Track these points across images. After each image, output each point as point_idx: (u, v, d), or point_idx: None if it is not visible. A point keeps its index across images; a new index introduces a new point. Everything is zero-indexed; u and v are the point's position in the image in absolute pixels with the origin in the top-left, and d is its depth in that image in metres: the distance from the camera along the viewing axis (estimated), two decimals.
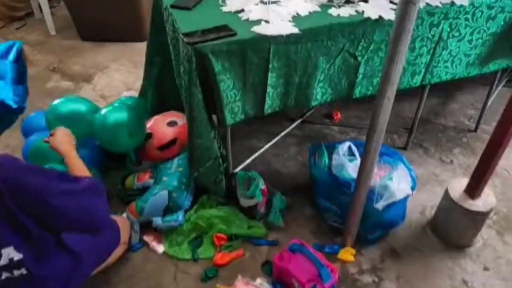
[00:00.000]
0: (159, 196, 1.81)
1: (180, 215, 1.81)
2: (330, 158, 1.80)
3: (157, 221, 1.79)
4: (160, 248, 1.80)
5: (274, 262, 1.60)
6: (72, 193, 1.22)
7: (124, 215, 1.83)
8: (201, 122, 1.63)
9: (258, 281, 1.65)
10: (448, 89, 2.81)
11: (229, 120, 1.62)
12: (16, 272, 1.15)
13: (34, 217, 1.11)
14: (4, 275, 1.15)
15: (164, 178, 1.87)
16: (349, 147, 1.77)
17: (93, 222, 1.29)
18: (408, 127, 2.27)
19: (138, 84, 2.80)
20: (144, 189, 1.91)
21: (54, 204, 1.14)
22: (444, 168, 2.19)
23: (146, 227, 1.85)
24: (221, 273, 1.70)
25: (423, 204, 1.97)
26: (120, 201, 1.99)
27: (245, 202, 1.86)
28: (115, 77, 3.18)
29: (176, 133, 2.05)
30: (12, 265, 1.14)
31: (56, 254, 1.29)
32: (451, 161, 2.23)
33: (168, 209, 1.85)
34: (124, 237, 1.70)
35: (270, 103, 1.69)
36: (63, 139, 1.53)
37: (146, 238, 1.84)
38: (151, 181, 1.93)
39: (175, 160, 1.96)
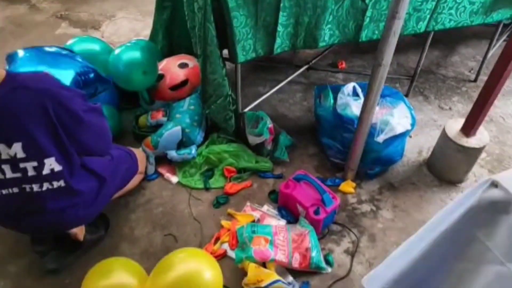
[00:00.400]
0: (173, 131, 1.92)
1: (193, 149, 1.93)
2: (334, 99, 1.90)
3: (172, 153, 1.91)
4: (174, 179, 1.94)
5: (280, 190, 1.73)
6: (93, 110, 1.32)
7: (140, 149, 1.95)
8: (214, 58, 1.71)
9: (265, 207, 1.79)
10: (450, 42, 2.88)
11: (241, 57, 1.70)
12: (55, 184, 1.27)
13: (68, 133, 1.22)
14: (46, 186, 1.26)
15: (177, 115, 1.98)
16: (354, 88, 1.86)
17: (106, 141, 1.41)
18: (410, 75, 2.36)
19: (146, 32, 2.86)
20: (157, 126, 2.02)
21: (85, 119, 1.25)
22: (443, 114, 2.29)
23: (160, 161, 1.98)
24: (231, 200, 1.84)
25: (420, 146, 2.09)
26: (134, 138, 2.10)
27: (253, 140, 1.98)
28: (122, 25, 3.22)
29: (187, 75, 2.14)
30: (53, 176, 1.25)
31: (82, 174, 1.41)
32: (450, 108, 2.34)
33: (181, 144, 1.97)
34: (141, 167, 1.83)
35: (280, 43, 1.77)
36: None
37: (161, 170, 1.97)
38: (164, 119, 2.04)
39: (187, 100, 2.06)
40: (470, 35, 2.96)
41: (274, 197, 1.83)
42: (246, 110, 2.08)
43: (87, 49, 2.10)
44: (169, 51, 2.35)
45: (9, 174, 1.17)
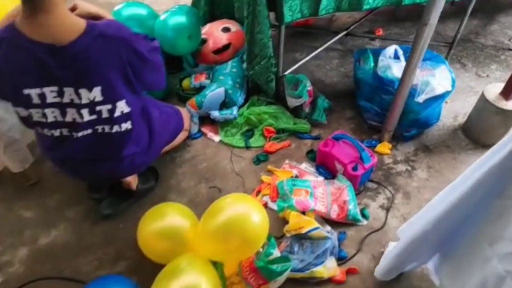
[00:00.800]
0: (216, 92, 2.02)
1: (234, 110, 2.03)
2: (375, 62, 1.94)
3: (215, 113, 2.02)
4: (217, 138, 2.05)
5: (318, 148, 1.81)
6: (155, 49, 1.42)
7: (185, 108, 2.06)
8: (262, 18, 1.77)
9: (303, 165, 1.89)
10: (490, 12, 2.82)
11: (287, 17, 1.76)
12: (123, 126, 1.38)
13: (136, 74, 1.32)
14: (115, 128, 1.38)
15: (221, 77, 2.07)
16: (395, 51, 1.90)
17: (163, 76, 1.49)
18: (448, 42, 2.35)
19: (184, 0, 2.92)
20: (200, 89, 2.12)
21: (149, 59, 1.34)
22: (480, 81, 2.30)
23: (203, 121, 2.09)
24: (271, 158, 1.94)
25: (456, 111, 2.12)
26: (178, 99, 2.21)
27: (292, 102, 2.05)
28: None
29: (230, 38, 2.21)
30: (122, 117, 1.36)
31: (141, 122, 1.51)
32: (488, 76, 2.33)
33: (224, 105, 2.06)
34: (186, 124, 1.94)
35: (326, 4, 1.80)
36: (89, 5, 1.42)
37: (204, 129, 2.09)
38: (207, 81, 2.14)
39: (230, 63, 2.14)
40: (509, 5, 2.89)
41: (312, 156, 1.92)
42: (286, 73, 2.15)
43: (134, 13, 2.19)
44: (211, 17, 2.42)
45: (86, 117, 1.29)
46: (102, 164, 1.48)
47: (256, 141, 2.01)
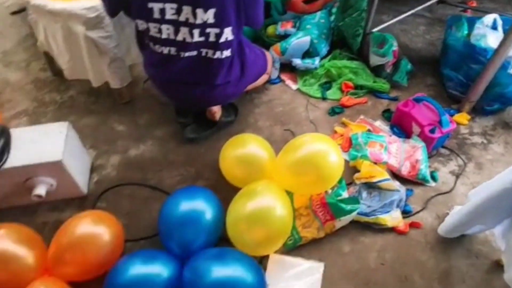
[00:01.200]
0: (302, 40, 2.07)
1: (316, 60, 2.08)
2: (468, 30, 1.90)
3: (297, 61, 2.08)
4: (294, 86, 2.12)
5: (397, 108, 1.84)
6: None
7: (269, 53, 2.14)
8: None
9: (378, 122, 1.93)
10: None
11: None
12: (224, 53, 1.50)
13: (245, 7, 1.41)
14: (217, 54, 1.49)
15: (308, 26, 2.12)
16: (494, 20, 1.85)
17: (262, 13, 1.56)
18: None
19: None
20: (284, 36, 2.18)
21: None
22: None
23: (283, 69, 2.17)
24: (346, 112, 2.00)
25: None
26: (262, 45, 2.28)
27: (375, 60, 2.07)
28: None
29: None
30: (225, 44, 1.46)
31: (236, 53, 1.60)
32: None
33: (306, 54, 2.12)
34: (268, 68, 2.03)
35: None
36: None
37: (283, 76, 2.17)
38: (293, 29, 2.19)
39: (318, 13, 2.18)
40: None
41: (387, 115, 1.95)
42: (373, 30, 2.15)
43: None
44: None
45: (196, 37, 1.41)
46: (197, 88, 1.61)
47: (333, 93, 2.07)
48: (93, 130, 1.94)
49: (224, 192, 1.56)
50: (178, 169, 1.79)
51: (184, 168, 1.79)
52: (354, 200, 1.53)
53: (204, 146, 1.88)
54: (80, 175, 1.65)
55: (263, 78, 2.02)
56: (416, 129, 1.78)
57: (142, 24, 1.42)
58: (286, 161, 1.54)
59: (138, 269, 1.29)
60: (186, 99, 1.70)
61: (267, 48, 2.16)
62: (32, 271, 1.31)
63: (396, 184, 1.62)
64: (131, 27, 1.83)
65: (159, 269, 1.28)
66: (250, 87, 1.93)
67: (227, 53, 1.50)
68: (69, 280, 1.34)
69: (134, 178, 1.76)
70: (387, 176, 1.59)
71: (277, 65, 2.14)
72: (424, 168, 1.67)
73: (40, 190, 1.52)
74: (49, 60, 2.11)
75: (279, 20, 2.28)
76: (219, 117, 1.89)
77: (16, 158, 1.49)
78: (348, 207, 1.48)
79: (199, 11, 1.34)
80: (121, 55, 1.87)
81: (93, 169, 1.79)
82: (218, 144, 1.85)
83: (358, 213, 1.54)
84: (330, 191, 1.59)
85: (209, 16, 1.36)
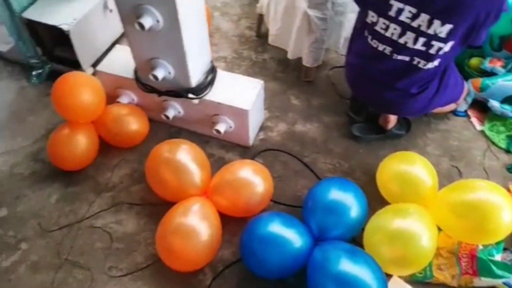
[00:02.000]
0: (509, 84, 1.90)
1: None
2: None
3: (495, 103, 1.92)
4: (479, 127, 1.97)
5: None
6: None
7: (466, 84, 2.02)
8: None
9: None
10: None
11: None
12: (434, 64, 1.45)
13: (481, 29, 1.35)
14: (428, 65, 1.45)
15: None
16: None
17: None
18: None
19: None
20: (489, 73, 2.02)
21: (499, 18, 1.34)
22: None
23: (473, 104, 2.02)
24: None
25: None
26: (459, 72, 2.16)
27: None
28: None
29: None
30: (439, 57, 1.42)
31: (440, 70, 1.55)
32: None
33: (506, 100, 1.94)
34: (460, 98, 1.92)
35: None
36: None
37: (470, 112, 2.02)
38: (502, 70, 2.01)
39: None
40: None
41: None
42: None
43: None
44: None
45: (418, 45, 1.39)
46: (391, 92, 1.60)
47: None
48: (272, 95, 2.12)
49: (369, 197, 1.56)
50: (333, 158, 1.86)
51: (338, 160, 1.85)
52: (508, 267, 1.39)
53: (364, 147, 1.90)
54: (253, 128, 1.84)
55: (451, 106, 1.92)
56: None
57: (373, 17, 1.44)
58: (450, 197, 1.47)
59: (277, 228, 1.40)
60: (374, 99, 1.72)
61: (465, 79, 2.03)
62: (195, 188, 1.54)
63: None
64: (344, 17, 1.92)
65: (295, 237, 1.38)
66: (436, 110, 1.85)
67: (435, 63, 1.46)
68: (219, 210, 1.53)
69: (293, 150, 1.89)
70: None
71: (469, 100, 2.01)
72: None
73: (221, 127, 1.75)
74: (259, 22, 2.34)
75: (490, 55, 2.11)
76: (391, 127, 1.88)
77: (215, 94, 1.73)
78: (500, 272, 1.36)
79: (436, 23, 1.32)
80: (325, 38, 1.98)
81: (262, 128, 1.97)
82: (379, 151, 1.86)
83: (504, 283, 1.40)
84: (481, 246, 1.48)
85: (444, 30, 1.33)
